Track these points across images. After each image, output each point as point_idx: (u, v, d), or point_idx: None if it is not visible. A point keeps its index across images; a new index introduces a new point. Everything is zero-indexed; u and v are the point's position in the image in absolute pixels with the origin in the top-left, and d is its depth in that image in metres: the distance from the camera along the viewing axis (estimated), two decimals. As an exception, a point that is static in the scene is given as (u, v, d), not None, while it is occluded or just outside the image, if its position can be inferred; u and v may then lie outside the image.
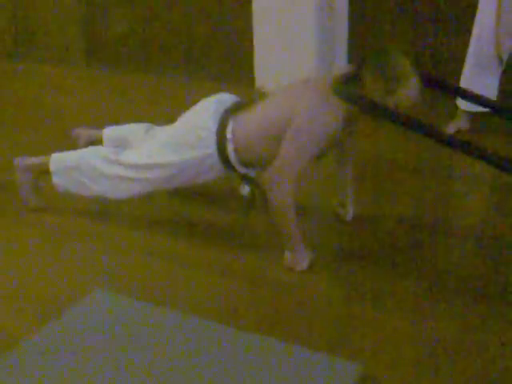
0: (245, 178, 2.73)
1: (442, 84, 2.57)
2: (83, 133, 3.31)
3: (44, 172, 2.93)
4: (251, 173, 2.71)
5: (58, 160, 2.90)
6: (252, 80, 4.74)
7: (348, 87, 2.41)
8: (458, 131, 3.80)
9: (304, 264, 2.53)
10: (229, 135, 2.60)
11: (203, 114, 2.68)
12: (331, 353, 2.06)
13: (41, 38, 5.70)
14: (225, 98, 2.76)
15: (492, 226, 2.87)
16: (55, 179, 2.91)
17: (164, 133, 2.85)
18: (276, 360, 2.03)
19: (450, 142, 2.27)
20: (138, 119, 4.08)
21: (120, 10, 5.28)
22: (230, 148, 2.61)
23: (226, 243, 2.74)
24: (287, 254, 2.55)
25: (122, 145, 3.05)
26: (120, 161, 2.77)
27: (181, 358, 2.05)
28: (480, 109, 3.66)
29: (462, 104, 3.75)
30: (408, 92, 2.33)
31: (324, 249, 2.68)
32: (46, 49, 5.69)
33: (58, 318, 2.23)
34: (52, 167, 2.90)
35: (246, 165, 2.67)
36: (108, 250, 2.73)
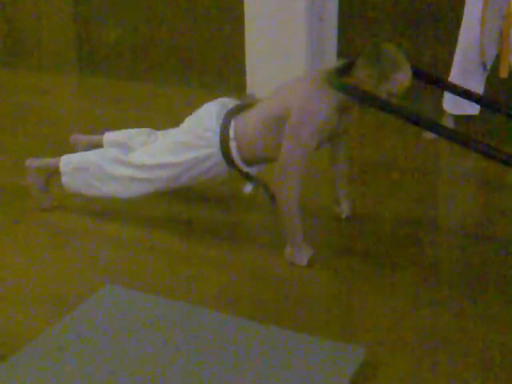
0: (247, 176, 2.84)
1: (429, 77, 2.69)
2: (81, 138, 3.37)
3: (54, 172, 3.02)
4: (253, 171, 2.82)
5: (68, 161, 2.99)
6: (243, 88, 4.86)
7: (342, 78, 2.52)
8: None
9: (304, 259, 2.63)
10: (231, 134, 2.72)
11: (206, 116, 2.81)
12: (333, 340, 2.15)
13: (33, 46, 5.76)
14: (226, 101, 2.89)
15: (479, 220, 3.00)
16: (65, 180, 3.00)
17: (169, 135, 2.96)
18: (280, 347, 2.11)
19: (437, 129, 2.39)
20: (131, 127, 4.20)
21: (112, 18, 5.37)
22: (232, 146, 2.73)
23: (227, 240, 2.84)
24: (288, 250, 2.65)
25: (122, 149, 3.10)
26: (128, 162, 2.88)
27: (188, 346, 2.13)
28: (464, 112, 3.85)
29: (448, 107, 3.89)
30: (400, 79, 2.44)
31: (323, 245, 2.78)
32: (38, 57, 5.75)
33: (70, 314, 2.30)
34: (62, 168, 2.99)
35: (248, 163, 2.78)
36: (113, 247, 2.81)
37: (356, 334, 2.21)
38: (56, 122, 4.43)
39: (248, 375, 1.99)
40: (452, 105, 3.86)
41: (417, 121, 2.37)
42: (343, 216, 3.00)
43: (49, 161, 3.05)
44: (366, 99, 2.45)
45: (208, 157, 2.76)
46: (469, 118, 3.90)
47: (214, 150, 2.74)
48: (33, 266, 2.68)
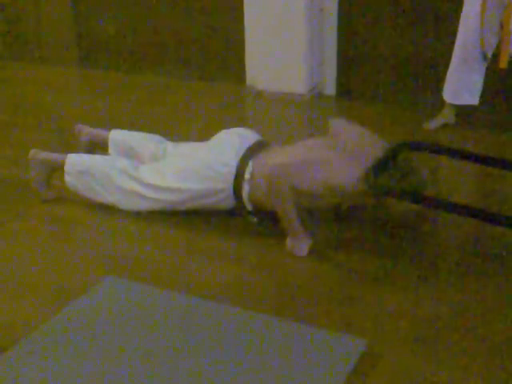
0: (251, 213, 2.86)
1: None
2: (86, 130, 3.32)
3: (58, 168, 3.02)
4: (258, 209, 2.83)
5: (74, 162, 2.98)
6: (243, 80, 4.88)
7: (379, 179, 2.58)
8: (445, 125, 3.94)
9: (304, 250, 2.65)
10: (247, 175, 2.74)
11: (226, 151, 2.81)
12: (335, 331, 2.16)
13: (33, 38, 5.77)
14: (247, 135, 2.90)
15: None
16: (68, 179, 3.00)
17: (181, 154, 2.96)
18: (282, 338, 2.13)
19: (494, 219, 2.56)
20: (132, 118, 4.21)
21: (111, 11, 5.37)
22: (245, 187, 2.75)
23: (230, 233, 2.84)
24: (288, 241, 2.67)
25: (128, 152, 3.13)
26: (137, 177, 2.88)
27: (189, 338, 2.14)
28: (464, 102, 3.86)
29: (448, 97, 3.89)
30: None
31: (324, 238, 2.79)
32: (39, 51, 5.76)
33: (71, 306, 2.31)
34: (67, 167, 2.98)
35: (255, 204, 2.80)
36: (115, 239, 2.82)
37: (356, 326, 2.21)
38: (57, 115, 4.44)
39: (250, 365, 2.00)
40: (452, 95, 3.86)
41: (468, 213, 2.55)
42: (343, 207, 3.00)
43: (54, 156, 3.04)
44: (408, 198, 2.61)
45: (219, 191, 2.78)
46: (470, 110, 3.92)
47: (226, 185, 2.76)
48: (34, 258, 2.68)
